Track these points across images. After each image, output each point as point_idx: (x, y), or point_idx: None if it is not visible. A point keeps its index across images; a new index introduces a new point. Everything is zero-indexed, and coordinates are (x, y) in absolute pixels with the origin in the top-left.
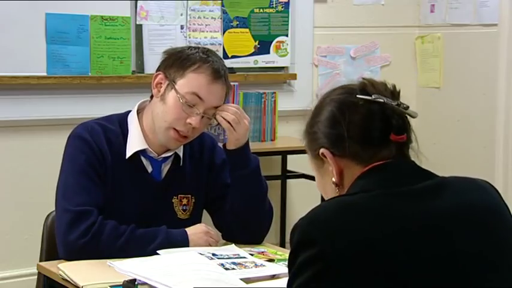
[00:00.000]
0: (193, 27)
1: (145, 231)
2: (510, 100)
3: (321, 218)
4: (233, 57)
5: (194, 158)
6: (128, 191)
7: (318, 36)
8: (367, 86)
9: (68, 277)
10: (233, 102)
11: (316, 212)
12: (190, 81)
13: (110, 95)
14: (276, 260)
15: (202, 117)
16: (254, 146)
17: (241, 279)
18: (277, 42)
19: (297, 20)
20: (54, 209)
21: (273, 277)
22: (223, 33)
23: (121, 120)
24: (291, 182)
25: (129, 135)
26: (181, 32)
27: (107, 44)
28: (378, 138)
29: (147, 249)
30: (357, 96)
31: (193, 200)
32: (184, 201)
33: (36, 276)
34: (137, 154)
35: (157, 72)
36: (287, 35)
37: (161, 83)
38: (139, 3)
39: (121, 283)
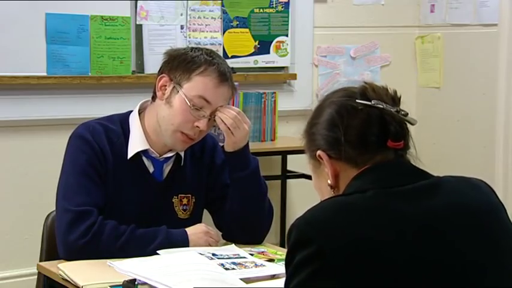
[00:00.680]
0: (193, 27)
1: (145, 231)
2: (510, 100)
3: (318, 218)
4: (233, 57)
5: (195, 158)
6: (129, 191)
7: (318, 36)
8: (367, 90)
9: (68, 277)
10: (233, 102)
11: (313, 211)
12: (197, 85)
13: (110, 95)
14: (276, 260)
15: (209, 119)
16: (254, 146)
17: (241, 279)
18: (277, 42)
19: (297, 20)
20: (54, 209)
21: (273, 277)
22: (223, 33)
23: (122, 120)
24: (291, 182)
25: (130, 136)
26: (181, 32)
27: (107, 44)
28: (375, 144)
29: (147, 249)
30: (357, 100)
31: (194, 200)
32: (185, 201)
33: (36, 276)
34: (139, 154)
35: (162, 75)
36: (287, 35)
37: (166, 86)
38: (139, 3)
39: (121, 283)
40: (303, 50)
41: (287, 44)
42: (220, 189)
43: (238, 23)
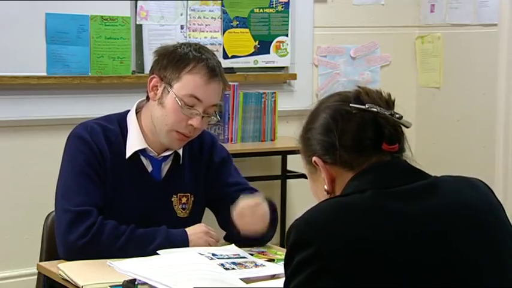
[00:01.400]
0: (193, 27)
1: (145, 231)
2: (510, 100)
3: (317, 219)
4: (233, 57)
5: (193, 156)
6: (127, 190)
7: (318, 36)
8: (361, 95)
9: (68, 277)
10: (233, 102)
11: (312, 212)
12: (186, 84)
13: (110, 95)
14: (276, 260)
15: (203, 117)
16: (254, 146)
17: (241, 279)
18: (277, 42)
19: (297, 20)
20: (54, 209)
21: (273, 277)
22: (223, 33)
23: (120, 119)
24: (291, 182)
25: (128, 135)
26: (181, 32)
27: (107, 44)
28: (370, 147)
29: (147, 249)
30: (350, 105)
31: (193, 199)
32: (184, 199)
33: (36, 276)
34: (137, 154)
35: (152, 76)
36: (287, 35)
37: (157, 86)
38: (139, 3)
39: (121, 283)
40: (303, 50)
41: (287, 44)
42: (222, 187)
43: (238, 23)
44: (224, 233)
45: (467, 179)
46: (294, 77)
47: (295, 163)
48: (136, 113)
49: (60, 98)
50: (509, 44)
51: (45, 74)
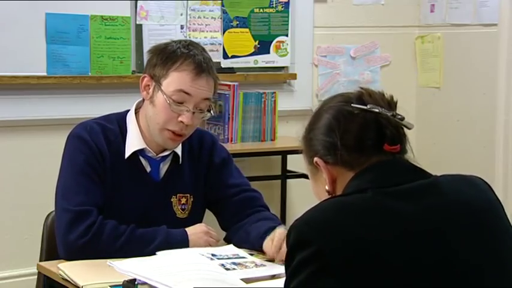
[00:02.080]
0: (193, 27)
1: (145, 231)
2: (510, 100)
3: (317, 219)
4: (233, 57)
5: (193, 157)
6: (127, 190)
7: (318, 36)
8: (363, 95)
9: (68, 277)
10: (233, 102)
11: (312, 212)
12: (174, 80)
13: (110, 95)
14: (276, 260)
15: (194, 113)
16: (254, 146)
17: (241, 279)
18: (277, 42)
19: (297, 20)
20: (54, 209)
21: (273, 277)
22: (223, 33)
23: (120, 119)
24: (291, 182)
25: (127, 135)
26: (181, 32)
27: (107, 44)
28: (371, 148)
29: (147, 249)
30: (352, 105)
31: (192, 199)
32: (183, 200)
33: (36, 276)
34: (136, 154)
35: (143, 75)
36: (287, 35)
37: (149, 85)
38: (139, 3)
39: (121, 283)
40: (303, 50)
41: (287, 44)
42: (222, 189)
43: (238, 22)
44: (224, 233)
45: (467, 177)
46: (294, 77)
47: (295, 163)
48: (136, 113)
49: (60, 98)
50: (509, 44)
51: (45, 74)
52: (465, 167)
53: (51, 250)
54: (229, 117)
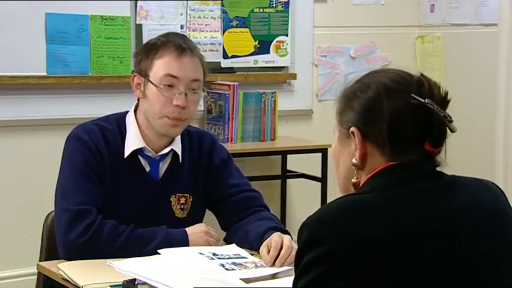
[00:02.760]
0: (193, 27)
1: (144, 231)
2: (510, 100)
3: (329, 217)
4: (233, 57)
5: (193, 157)
6: (126, 190)
7: (318, 36)
8: (423, 86)
9: (68, 277)
10: (233, 102)
11: (325, 210)
12: (159, 67)
13: (110, 95)
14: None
15: (186, 94)
16: (254, 146)
17: (241, 279)
18: (277, 42)
19: (297, 19)
20: (53, 208)
21: (273, 277)
22: (223, 33)
23: (119, 119)
24: (291, 182)
25: (127, 135)
26: (181, 32)
27: (106, 44)
28: (413, 143)
29: (146, 248)
30: (412, 95)
31: (191, 199)
32: (182, 200)
33: (36, 276)
34: (135, 153)
35: (133, 75)
36: (287, 35)
37: (139, 83)
38: (139, 3)
39: (121, 283)
40: (303, 50)
41: (287, 44)
42: (222, 189)
43: (238, 22)
44: (224, 233)
45: (481, 180)
46: (294, 76)
47: (295, 163)
48: (135, 113)
49: (60, 98)
50: (509, 44)
51: (45, 74)
52: (465, 167)
53: (51, 250)
54: (229, 117)
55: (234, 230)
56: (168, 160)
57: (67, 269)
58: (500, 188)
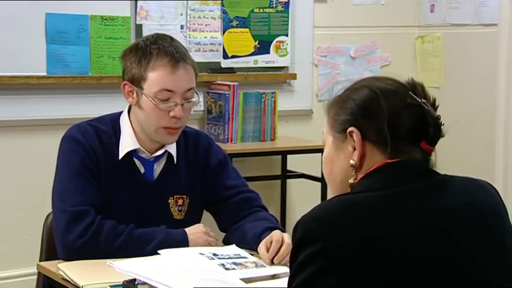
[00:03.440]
0: (193, 27)
1: (144, 231)
2: (510, 100)
3: (324, 216)
4: (233, 57)
5: (189, 158)
6: (121, 191)
7: (318, 36)
8: (417, 88)
9: (68, 277)
10: (233, 102)
11: (319, 209)
12: (153, 81)
13: (110, 95)
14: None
15: (183, 104)
16: (254, 146)
17: (241, 279)
18: (277, 42)
19: (297, 20)
20: (51, 210)
21: (273, 277)
22: (223, 33)
23: (113, 120)
24: (291, 182)
25: (121, 136)
26: (181, 32)
27: (107, 44)
28: (411, 140)
29: (146, 248)
30: (410, 93)
31: (188, 201)
32: (180, 201)
33: (36, 276)
34: (129, 155)
35: (123, 82)
36: (287, 35)
37: (131, 91)
38: (139, 3)
39: (121, 283)
40: (303, 50)
41: (287, 44)
42: (220, 190)
43: (238, 22)
44: (223, 235)
45: (475, 179)
46: (294, 77)
47: (295, 163)
48: (129, 114)
49: (60, 98)
50: (509, 44)
51: (45, 74)
52: (465, 167)
53: (51, 250)
54: (229, 117)
55: (232, 231)
56: (162, 161)
57: (67, 269)
58: (494, 188)
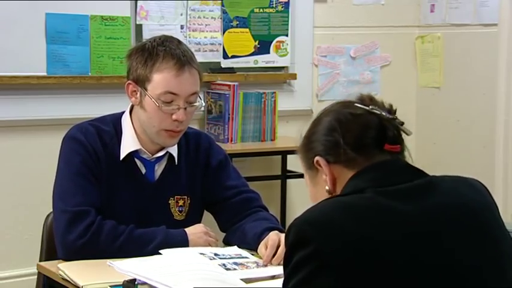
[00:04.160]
0: (193, 27)
1: (144, 231)
2: (510, 100)
3: (316, 218)
4: (233, 57)
5: (189, 158)
6: (123, 192)
7: (318, 36)
8: (365, 99)
9: (68, 277)
10: (233, 102)
11: (311, 212)
12: (158, 83)
13: (110, 95)
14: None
15: (185, 108)
16: (254, 146)
17: (241, 279)
18: (277, 42)
19: (297, 20)
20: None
21: (274, 277)
22: (223, 33)
23: (115, 121)
24: (291, 182)
25: (122, 136)
26: (181, 32)
27: (107, 44)
28: (372, 147)
29: (146, 249)
30: (355, 104)
31: (189, 201)
32: (181, 202)
33: (36, 276)
34: (131, 155)
35: (128, 82)
36: (287, 35)
37: (135, 91)
38: (139, 3)
39: (121, 283)
40: (303, 50)
41: (287, 44)
42: (220, 191)
43: (238, 22)
44: (223, 235)
45: (465, 178)
46: (294, 77)
47: (295, 163)
48: (130, 114)
49: (60, 98)
50: (509, 44)
51: (45, 74)
52: (465, 167)
53: (51, 250)
54: (229, 117)
55: (233, 231)
56: (163, 162)
57: (67, 269)
58: (485, 186)
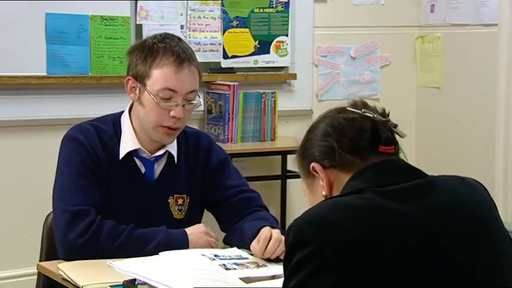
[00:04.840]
0: (193, 27)
1: (144, 231)
2: (510, 100)
3: (315, 218)
4: (233, 57)
5: (189, 158)
6: (122, 191)
7: (318, 36)
8: (357, 103)
9: (68, 277)
10: (233, 102)
11: (311, 212)
12: (157, 79)
13: (110, 95)
14: (277, 260)
15: (184, 105)
16: (254, 146)
17: (241, 278)
18: (277, 42)
19: (297, 20)
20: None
21: (273, 277)
22: (223, 33)
23: (114, 120)
24: (291, 182)
25: (122, 136)
26: (181, 32)
27: (107, 44)
28: (367, 149)
29: (146, 248)
30: (348, 108)
31: (188, 200)
32: (180, 201)
33: (36, 276)
34: (130, 155)
35: (127, 78)
36: (287, 35)
37: (134, 87)
38: (139, 3)
39: (121, 283)
40: (303, 50)
41: (287, 44)
42: (220, 190)
43: (238, 23)
44: (224, 235)
45: (464, 178)
46: (294, 77)
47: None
48: (129, 114)
49: (60, 98)
50: (509, 44)
51: (45, 74)
52: (465, 167)
53: (51, 250)
54: (229, 117)
55: (232, 231)
56: (163, 161)
57: (67, 269)
58: (483, 185)
